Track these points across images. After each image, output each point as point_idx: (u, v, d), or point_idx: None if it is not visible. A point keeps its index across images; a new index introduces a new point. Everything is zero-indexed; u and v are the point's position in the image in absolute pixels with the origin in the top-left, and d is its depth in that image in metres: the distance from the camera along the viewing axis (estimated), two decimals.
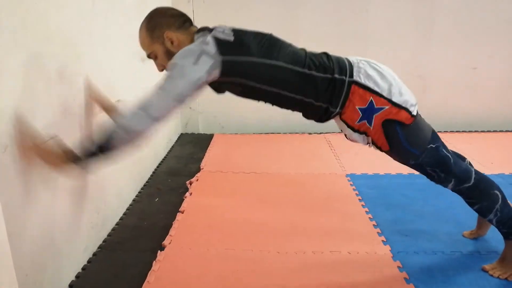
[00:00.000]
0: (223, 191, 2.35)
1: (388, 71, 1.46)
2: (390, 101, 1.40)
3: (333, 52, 1.54)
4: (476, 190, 1.53)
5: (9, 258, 0.92)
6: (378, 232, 1.85)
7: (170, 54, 1.40)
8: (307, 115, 1.53)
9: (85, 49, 1.68)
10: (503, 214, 1.52)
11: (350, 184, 2.38)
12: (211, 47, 1.32)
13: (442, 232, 1.84)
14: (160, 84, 1.30)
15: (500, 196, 1.54)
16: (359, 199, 2.20)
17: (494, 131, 3.49)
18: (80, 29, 1.64)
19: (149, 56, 1.49)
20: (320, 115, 1.48)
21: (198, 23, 3.41)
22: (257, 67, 1.37)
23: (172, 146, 3.21)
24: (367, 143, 1.51)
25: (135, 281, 1.54)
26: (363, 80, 1.40)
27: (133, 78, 2.29)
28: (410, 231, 1.86)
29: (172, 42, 1.43)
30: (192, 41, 1.41)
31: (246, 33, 1.42)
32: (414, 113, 1.44)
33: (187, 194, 2.27)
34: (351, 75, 1.40)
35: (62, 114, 1.48)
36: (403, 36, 3.34)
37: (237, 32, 1.39)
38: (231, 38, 1.36)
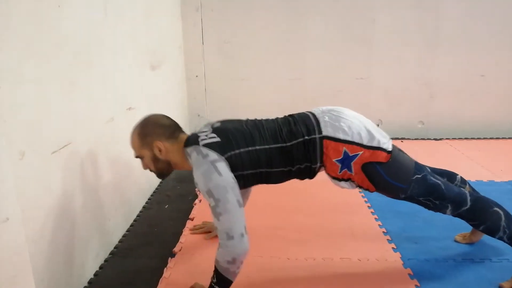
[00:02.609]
0: None
1: (354, 115, 1.52)
2: (362, 145, 1.45)
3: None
4: (476, 211, 1.54)
5: (27, 263, 0.94)
6: (388, 239, 1.85)
7: (156, 160, 1.51)
8: (299, 177, 1.58)
9: (96, 57, 1.71)
10: (511, 230, 1.52)
11: (359, 191, 2.38)
12: (212, 155, 1.39)
13: (452, 240, 1.84)
14: (218, 211, 1.34)
15: (502, 212, 1.54)
16: (368, 206, 2.20)
17: (502, 138, 3.47)
18: (92, 38, 1.67)
19: (136, 156, 1.55)
20: (307, 174, 1.54)
21: (206, 31, 3.48)
22: (247, 155, 1.44)
23: None
24: (355, 187, 1.55)
25: (147, 287, 1.55)
26: (332, 133, 1.46)
27: (142, 86, 2.31)
28: (420, 238, 1.86)
29: (160, 151, 1.50)
30: (180, 149, 1.50)
31: (227, 127, 1.49)
32: (389, 149, 1.47)
33: (196, 201, 2.29)
34: (320, 132, 1.46)
35: (73, 120, 1.50)
36: (409, 44, 3.36)
37: (218, 131, 1.46)
38: (217, 139, 1.43)
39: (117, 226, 1.91)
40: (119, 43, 1.99)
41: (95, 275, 1.64)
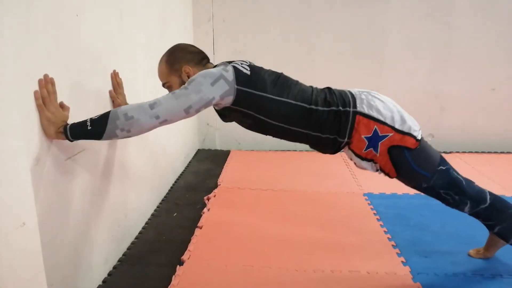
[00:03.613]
0: (240, 207, 2.36)
1: (389, 100, 1.54)
2: (393, 128, 1.46)
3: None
4: (494, 210, 1.52)
5: (42, 267, 0.95)
6: (397, 253, 1.84)
7: None
8: (317, 147, 1.59)
9: (112, 65, 1.74)
10: None
11: (368, 204, 2.37)
12: (230, 75, 1.40)
13: (463, 254, 1.82)
14: (175, 92, 1.36)
15: None
16: (377, 218, 2.19)
17: None
18: (108, 47, 1.70)
19: (164, 85, 1.57)
20: (330, 146, 1.55)
21: (218, 41, 3.52)
22: (270, 103, 1.44)
23: (190, 162, 3.25)
24: (376, 170, 1.55)
25: None
26: (366, 110, 1.47)
27: (154, 94, 2.33)
28: (430, 252, 1.84)
29: (188, 76, 1.51)
30: None
31: (261, 70, 1.51)
32: (419, 137, 1.49)
33: (205, 209, 2.29)
34: (355, 106, 1.48)
35: None
36: (420, 56, 3.36)
37: (253, 68, 1.48)
38: (248, 72, 1.44)
39: (126, 234, 1.92)
40: (134, 51, 2.02)
41: (103, 281, 1.65)
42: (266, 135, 1.58)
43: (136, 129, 1.31)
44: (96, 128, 1.28)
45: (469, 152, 3.43)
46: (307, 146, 3.68)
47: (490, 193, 1.56)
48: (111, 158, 1.76)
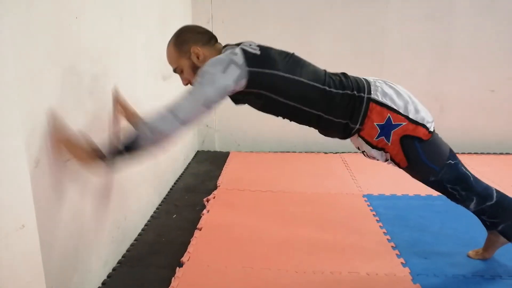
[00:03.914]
0: (240, 209, 2.36)
1: (404, 90, 1.52)
2: (407, 117, 1.45)
3: (349, 72, 1.59)
4: (500, 208, 1.52)
5: (41, 270, 0.95)
6: (397, 254, 1.84)
7: (195, 69, 1.48)
8: (326, 132, 1.56)
9: (112, 66, 1.74)
10: None
11: (368, 205, 2.37)
12: (239, 58, 1.38)
13: (462, 256, 1.82)
14: (189, 89, 1.35)
15: None
16: (376, 219, 2.19)
17: None
18: (108, 48, 1.70)
19: (175, 71, 1.54)
20: (341, 132, 1.52)
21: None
22: (281, 80, 1.42)
23: (189, 163, 3.24)
24: (386, 160, 1.53)
25: None
26: (380, 97, 1.45)
27: (153, 95, 2.34)
28: (430, 253, 1.84)
29: (198, 57, 1.49)
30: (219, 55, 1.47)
31: (271, 49, 1.49)
32: (431, 129, 1.48)
33: (205, 211, 2.29)
34: (369, 93, 1.46)
35: (91, 127, 1.52)
36: (420, 57, 3.36)
37: (263, 48, 1.46)
38: (257, 52, 1.42)
39: (125, 235, 1.91)
40: (134, 53, 2.02)
41: (103, 283, 1.65)
42: (277, 116, 1.54)
43: (166, 140, 1.31)
44: (131, 151, 1.30)
45: (469, 153, 3.43)
46: (306, 147, 3.67)
47: (497, 191, 1.55)
48: None
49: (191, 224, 2.14)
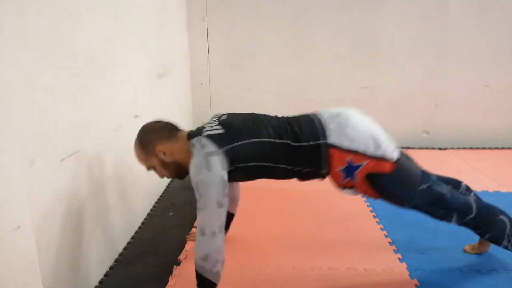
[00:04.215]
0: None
1: (361, 121, 1.49)
2: (366, 155, 1.43)
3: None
4: (482, 219, 1.54)
5: (38, 271, 0.94)
6: (394, 249, 1.85)
7: (165, 164, 1.52)
8: (303, 180, 1.58)
9: (107, 66, 1.73)
10: None
11: (364, 201, 2.38)
12: (211, 147, 1.40)
13: (458, 250, 1.83)
14: (198, 206, 1.38)
15: (507, 220, 1.55)
16: (373, 215, 2.20)
17: (508, 148, 3.46)
18: (103, 48, 1.69)
19: (148, 169, 1.57)
20: (315, 177, 1.54)
21: (212, 40, 3.51)
22: (251, 146, 1.44)
23: None
24: (359, 194, 1.54)
25: None
26: (337, 142, 1.44)
27: (148, 94, 2.33)
28: (426, 248, 1.85)
29: (164, 153, 1.51)
30: (184, 146, 1.49)
31: (232, 121, 1.50)
32: (395, 158, 1.45)
33: None
34: (324, 138, 1.45)
35: (82, 128, 1.51)
36: (416, 54, 3.37)
37: (224, 123, 1.47)
38: (221, 130, 1.44)
39: (122, 234, 1.91)
40: (129, 52, 2.01)
41: (100, 282, 1.64)
42: (255, 179, 1.57)
43: (218, 257, 1.37)
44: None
45: (464, 148, 3.45)
46: None
47: (476, 202, 1.56)
48: (106, 159, 1.75)
49: (188, 222, 2.14)
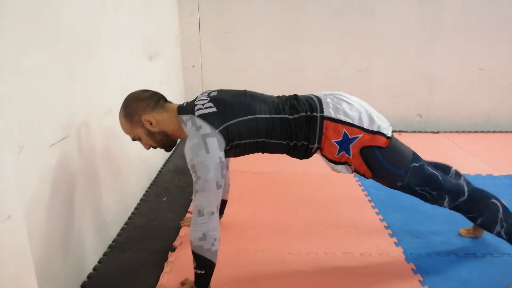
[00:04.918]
0: (231, 190, 2.30)
1: (356, 100, 1.52)
2: (362, 128, 1.44)
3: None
4: (474, 202, 1.53)
5: (30, 261, 0.91)
6: (389, 234, 1.85)
7: (152, 134, 1.49)
8: (292, 155, 1.58)
9: (95, 48, 1.67)
10: (508, 224, 1.52)
11: (359, 185, 2.37)
12: (206, 128, 1.37)
13: (453, 234, 1.84)
14: (196, 188, 1.35)
15: (499, 205, 1.54)
16: (368, 199, 2.19)
17: (500, 131, 3.48)
18: (90, 29, 1.62)
19: (133, 139, 1.52)
20: (302, 153, 1.53)
21: (204, 20, 3.43)
22: (245, 123, 1.42)
23: (178, 144, 3.18)
24: (352, 172, 1.53)
25: (148, 281, 1.53)
26: (333, 114, 1.45)
27: (139, 77, 2.27)
28: (422, 232, 1.86)
29: (151, 123, 1.47)
30: (173, 117, 1.47)
31: (223, 98, 1.47)
32: (389, 134, 1.46)
33: None
34: (322, 111, 1.46)
35: (72, 112, 1.46)
36: (409, 37, 3.33)
37: (216, 101, 1.44)
38: (213, 109, 1.41)
39: (115, 220, 1.88)
40: (118, 33, 1.94)
41: (94, 269, 1.62)
42: (249, 154, 1.55)
43: (216, 235, 1.36)
44: (207, 268, 1.39)
45: (457, 131, 3.46)
46: None
47: (467, 185, 1.56)
48: (97, 143, 1.70)
49: (182, 207, 2.11)
